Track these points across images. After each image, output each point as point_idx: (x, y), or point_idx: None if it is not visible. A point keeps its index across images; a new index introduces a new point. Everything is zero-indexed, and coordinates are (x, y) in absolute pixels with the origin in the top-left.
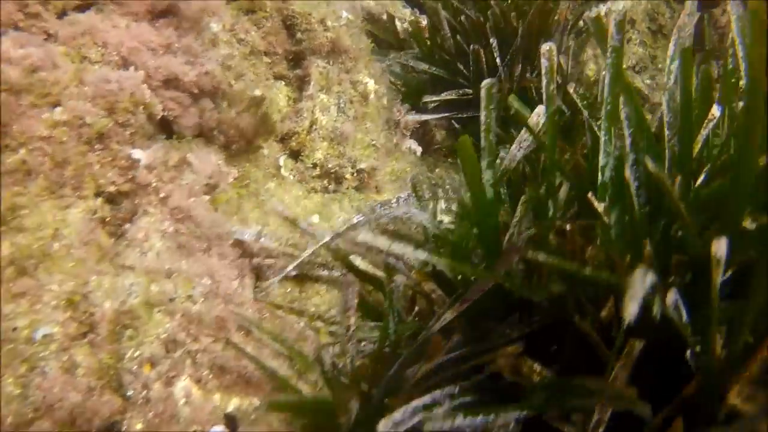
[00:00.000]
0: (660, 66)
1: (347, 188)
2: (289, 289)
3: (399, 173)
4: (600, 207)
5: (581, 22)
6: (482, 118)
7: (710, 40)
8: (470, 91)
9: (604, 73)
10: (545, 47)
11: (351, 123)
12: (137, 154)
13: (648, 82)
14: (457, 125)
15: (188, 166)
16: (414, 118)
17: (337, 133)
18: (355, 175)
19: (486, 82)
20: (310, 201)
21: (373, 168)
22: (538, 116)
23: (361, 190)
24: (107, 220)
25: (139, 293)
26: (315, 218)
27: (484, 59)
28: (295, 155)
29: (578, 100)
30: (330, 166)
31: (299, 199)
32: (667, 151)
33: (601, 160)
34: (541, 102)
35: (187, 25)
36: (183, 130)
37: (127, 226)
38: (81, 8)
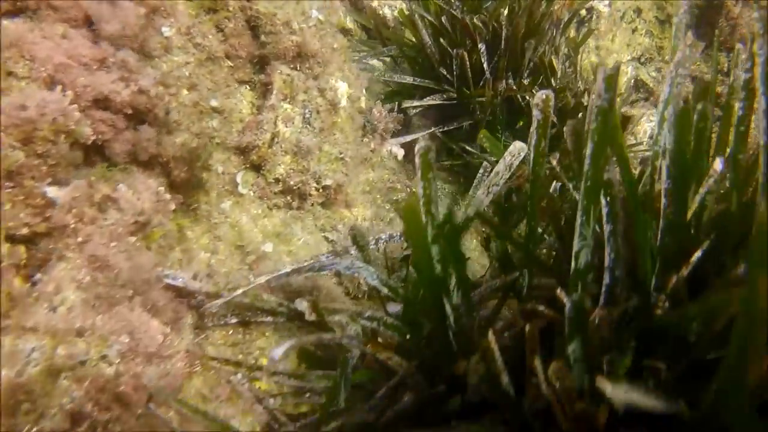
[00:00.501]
0: (667, 58)
1: (312, 205)
2: (231, 332)
3: (375, 183)
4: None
5: (584, 11)
6: (420, 189)
7: (722, 32)
8: (455, 95)
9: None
10: (540, 96)
11: (317, 135)
12: (53, 191)
13: (653, 74)
14: (439, 134)
15: (114, 203)
16: (396, 141)
17: (301, 146)
18: (320, 191)
19: (420, 148)
20: (270, 220)
21: (339, 184)
22: (512, 156)
23: (328, 206)
24: (21, 265)
25: (41, 359)
26: (268, 246)
27: (468, 63)
28: (256, 169)
29: (562, 174)
30: (292, 183)
31: (258, 218)
32: (662, 221)
33: (576, 244)
34: (526, 112)
35: (131, 33)
36: (116, 155)
37: (38, 276)
38: (12, 14)
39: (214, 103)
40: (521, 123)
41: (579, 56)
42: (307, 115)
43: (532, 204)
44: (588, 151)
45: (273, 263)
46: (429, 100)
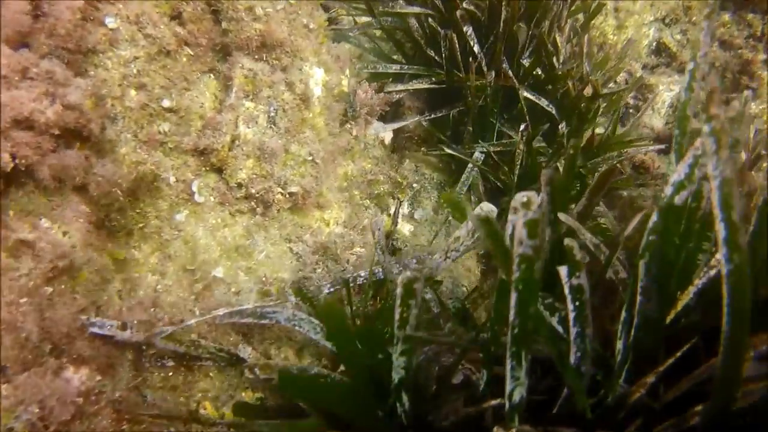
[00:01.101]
0: (694, 19)
1: (278, 211)
2: (171, 374)
3: (354, 177)
4: None
5: None
6: (396, 313)
7: None
8: (444, 79)
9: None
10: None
11: (282, 136)
12: None
13: (678, 37)
14: (424, 123)
15: (29, 248)
16: (378, 129)
17: (264, 149)
18: (286, 197)
19: (404, 278)
20: (231, 230)
21: (306, 190)
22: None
23: (297, 211)
24: None
25: None
26: (219, 271)
27: (457, 46)
28: (217, 171)
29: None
30: (254, 190)
31: (217, 229)
32: (637, 318)
33: (508, 384)
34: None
35: (63, 30)
36: (43, 180)
37: None
38: None
39: (167, 103)
40: (519, 105)
41: (587, 33)
42: (272, 114)
43: (497, 315)
44: (512, 302)
45: (226, 287)
46: (415, 84)
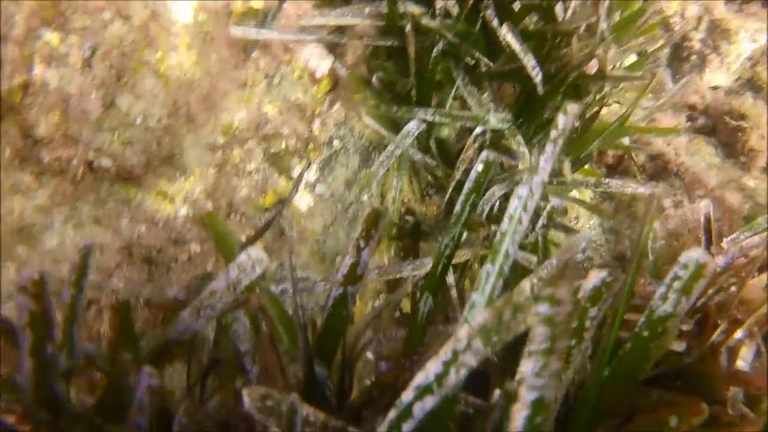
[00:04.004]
0: None
1: (96, 179)
2: None
3: (244, 129)
4: None
5: None
6: None
7: None
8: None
9: None
10: None
11: (102, 86)
12: None
13: None
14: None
15: None
16: (310, 54)
17: (70, 102)
18: (100, 170)
19: None
20: (28, 199)
21: (126, 167)
22: (240, 271)
23: (128, 181)
24: None
25: None
26: None
27: None
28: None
29: None
30: (47, 159)
31: (3, 197)
32: None
33: None
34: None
35: None
36: None
37: None
38: None
39: None
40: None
41: None
42: (87, 54)
43: None
44: None
45: None
46: (335, 18)
